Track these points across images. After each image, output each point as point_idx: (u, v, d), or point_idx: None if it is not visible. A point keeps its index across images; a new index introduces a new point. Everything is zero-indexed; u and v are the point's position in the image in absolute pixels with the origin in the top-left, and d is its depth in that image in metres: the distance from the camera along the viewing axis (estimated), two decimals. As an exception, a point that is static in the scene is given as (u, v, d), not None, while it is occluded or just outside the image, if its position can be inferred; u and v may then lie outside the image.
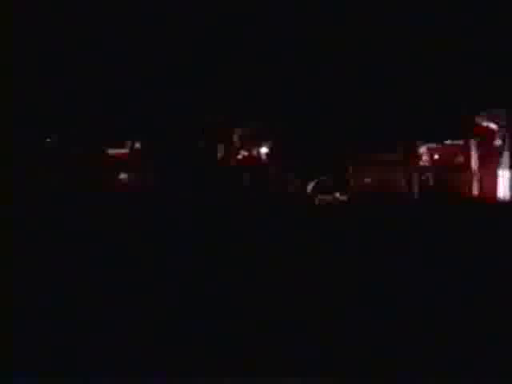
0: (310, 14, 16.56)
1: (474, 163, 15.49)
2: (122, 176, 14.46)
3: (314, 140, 15.39)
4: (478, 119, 15.51)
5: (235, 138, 15.13)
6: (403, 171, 15.46)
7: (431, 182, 15.14)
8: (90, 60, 15.43)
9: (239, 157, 14.94)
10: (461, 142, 15.59)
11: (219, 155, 14.91)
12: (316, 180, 14.79)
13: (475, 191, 15.31)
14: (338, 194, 14.46)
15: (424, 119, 15.82)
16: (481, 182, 15.39)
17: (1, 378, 5.78)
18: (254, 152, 14.97)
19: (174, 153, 15.02)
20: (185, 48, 15.87)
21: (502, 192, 15.37)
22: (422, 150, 15.77)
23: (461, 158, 15.50)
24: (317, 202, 14.33)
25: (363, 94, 16.06)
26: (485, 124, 15.36)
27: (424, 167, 15.57)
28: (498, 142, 15.04)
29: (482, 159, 15.49)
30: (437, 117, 15.72)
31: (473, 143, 15.49)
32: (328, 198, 14.37)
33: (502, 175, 15.22)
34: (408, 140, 15.70)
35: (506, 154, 15.07)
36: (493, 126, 15.26)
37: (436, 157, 15.64)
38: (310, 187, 14.64)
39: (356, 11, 16.47)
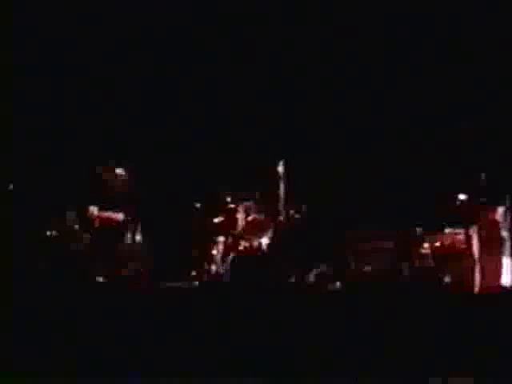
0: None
1: (476, 251, 15.59)
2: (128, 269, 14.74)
3: (314, 229, 15.65)
4: (480, 210, 15.80)
5: (237, 231, 15.42)
6: (404, 259, 15.63)
7: (433, 271, 15.24)
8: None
9: (240, 248, 15.10)
10: (462, 231, 15.82)
11: (220, 247, 15.09)
12: (318, 269, 14.88)
13: (477, 279, 15.33)
14: (338, 284, 14.55)
15: (424, 208, 16.08)
16: (483, 270, 15.46)
17: (1, 378, 5.70)
18: (255, 243, 15.14)
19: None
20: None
21: (505, 280, 15.44)
22: (424, 237, 16.03)
23: (462, 246, 15.70)
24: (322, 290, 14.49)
25: (362, 182, 16.48)
26: (489, 215, 15.60)
27: (425, 255, 15.75)
28: (504, 233, 15.18)
29: (483, 247, 15.62)
30: (437, 206, 16.00)
31: (474, 231, 15.60)
32: (330, 286, 14.51)
33: (506, 263, 15.32)
34: (408, 228, 15.88)
35: (508, 243, 15.22)
36: (497, 217, 15.48)
37: (437, 244, 15.85)
38: (311, 276, 14.72)
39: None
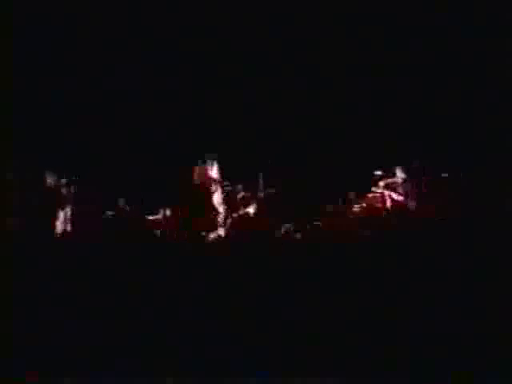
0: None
1: (389, 207, 20.49)
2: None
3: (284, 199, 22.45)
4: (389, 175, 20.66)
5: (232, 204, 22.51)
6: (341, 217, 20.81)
7: (359, 226, 19.50)
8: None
9: (235, 215, 22.40)
10: (379, 194, 20.83)
11: (222, 215, 22.59)
12: (286, 226, 21.74)
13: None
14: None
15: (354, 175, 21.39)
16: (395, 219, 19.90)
17: (1, 377, 6.03)
18: (244, 211, 22.60)
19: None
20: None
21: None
22: (354, 199, 21.42)
23: (379, 205, 20.87)
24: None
25: (315, 168, 22.43)
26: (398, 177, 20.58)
27: (355, 212, 21.03)
28: (401, 196, 20.34)
29: (392, 205, 20.68)
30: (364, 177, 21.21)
31: (387, 194, 20.78)
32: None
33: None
34: (345, 193, 21.37)
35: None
36: (398, 180, 20.45)
37: (363, 204, 21.28)
38: (282, 230, 21.51)
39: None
